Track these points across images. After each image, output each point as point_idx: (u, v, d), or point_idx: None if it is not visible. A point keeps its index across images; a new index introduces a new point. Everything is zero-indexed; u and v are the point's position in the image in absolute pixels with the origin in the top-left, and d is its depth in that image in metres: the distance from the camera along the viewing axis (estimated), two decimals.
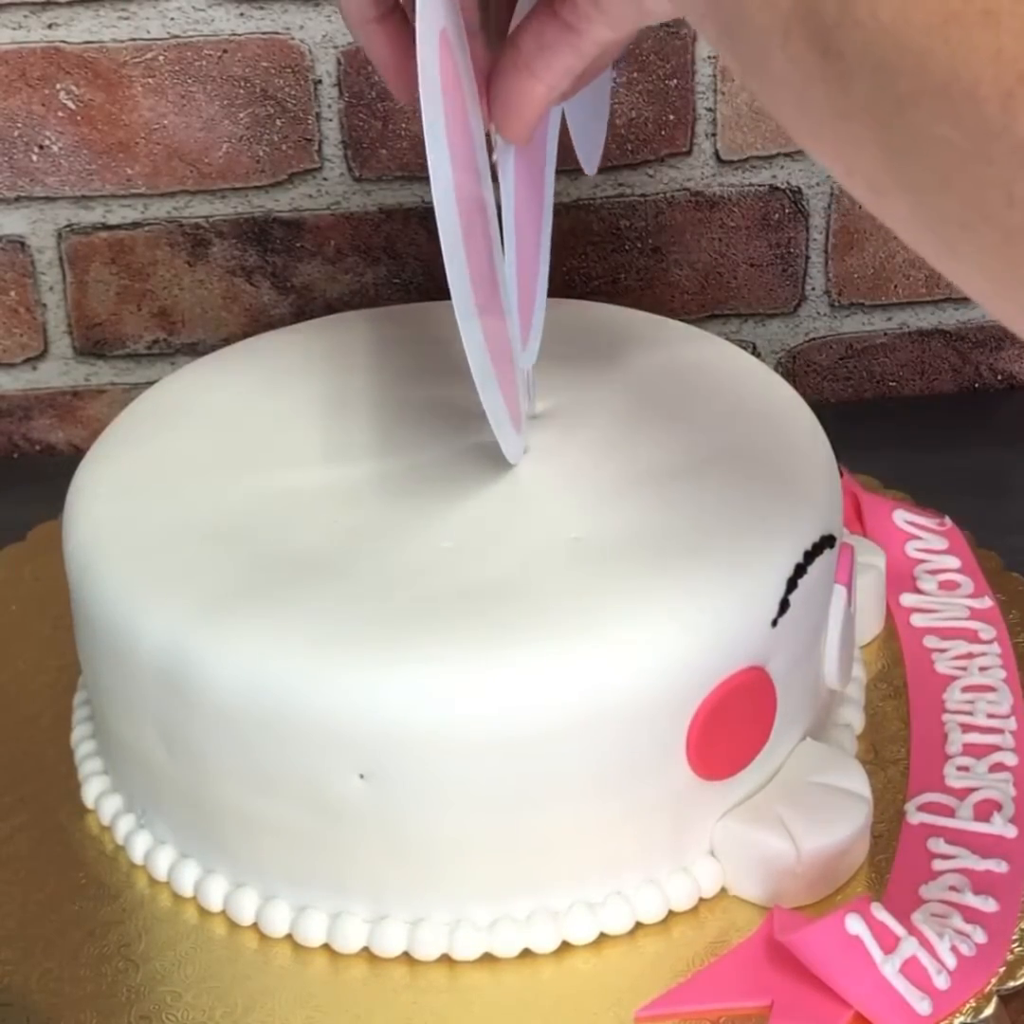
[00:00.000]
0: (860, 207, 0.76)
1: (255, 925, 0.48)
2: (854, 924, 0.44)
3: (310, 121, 0.74)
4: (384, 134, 0.74)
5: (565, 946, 0.47)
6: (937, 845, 0.49)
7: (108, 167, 0.74)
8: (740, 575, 0.47)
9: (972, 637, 0.58)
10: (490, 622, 0.45)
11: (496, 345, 0.47)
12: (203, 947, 0.48)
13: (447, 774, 0.45)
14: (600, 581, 0.46)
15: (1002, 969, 0.45)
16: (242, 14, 0.72)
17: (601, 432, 0.53)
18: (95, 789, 0.52)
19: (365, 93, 0.73)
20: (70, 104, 0.72)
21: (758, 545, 0.48)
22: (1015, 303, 0.31)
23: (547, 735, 0.44)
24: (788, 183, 0.77)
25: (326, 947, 0.47)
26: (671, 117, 0.75)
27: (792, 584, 0.48)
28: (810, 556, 0.49)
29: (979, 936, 0.46)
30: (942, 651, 0.58)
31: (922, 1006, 0.44)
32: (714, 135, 0.75)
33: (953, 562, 0.62)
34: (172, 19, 0.71)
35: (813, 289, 0.79)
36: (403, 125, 0.74)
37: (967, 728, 0.54)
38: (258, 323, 0.77)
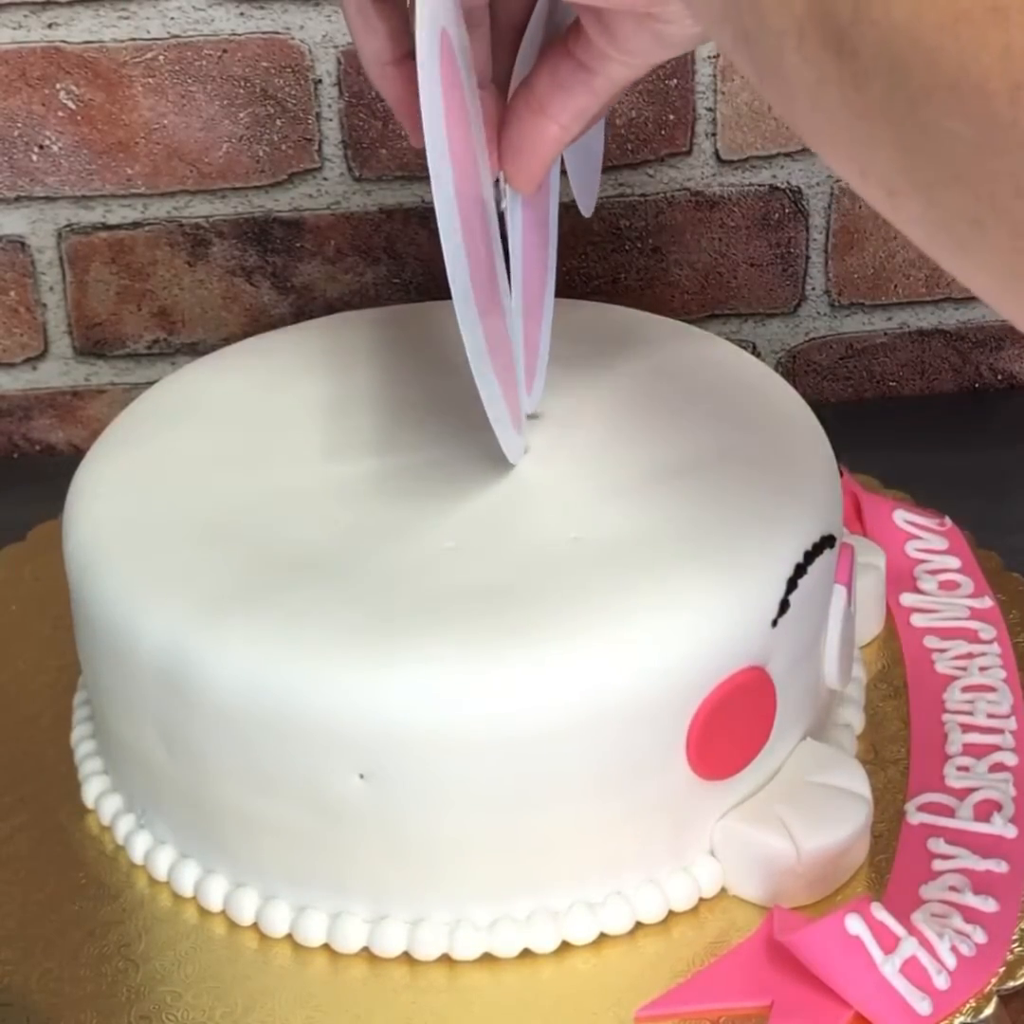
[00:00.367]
0: (860, 207, 0.77)
1: (255, 925, 0.48)
2: (854, 924, 0.45)
3: (310, 121, 0.74)
4: (384, 134, 0.74)
5: (565, 946, 0.47)
6: (937, 845, 0.49)
7: (108, 167, 0.74)
8: (740, 575, 0.47)
9: (972, 637, 0.58)
10: (490, 622, 0.45)
11: (496, 345, 0.47)
12: (203, 947, 0.48)
13: (447, 774, 0.45)
14: (600, 581, 0.46)
15: (1002, 969, 0.45)
16: (242, 14, 0.72)
17: (601, 432, 0.53)
18: (95, 789, 0.52)
19: (365, 93, 0.73)
20: (70, 104, 0.72)
21: (758, 545, 0.48)
22: None
23: (547, 735, 0.44)
24: (788, 183, 0.77)
25: (326, 947, 0.47)
26: (671, 117, 0.75)
27: (792, 584, 0.48)
28: (810, 556, 0.49)
29: (979, 936, 0.46)
30: (942, 651, 0.58)
31: (922, 1006, 0.44)
32: (714, 135, 0.75)
33: (953, 562, 0.62)
34: (172, 19, 0.71)
35: (813, 289, 0.79)
36: None
37: (967, 728, 0.54)
38: (258, 323, 0.77)
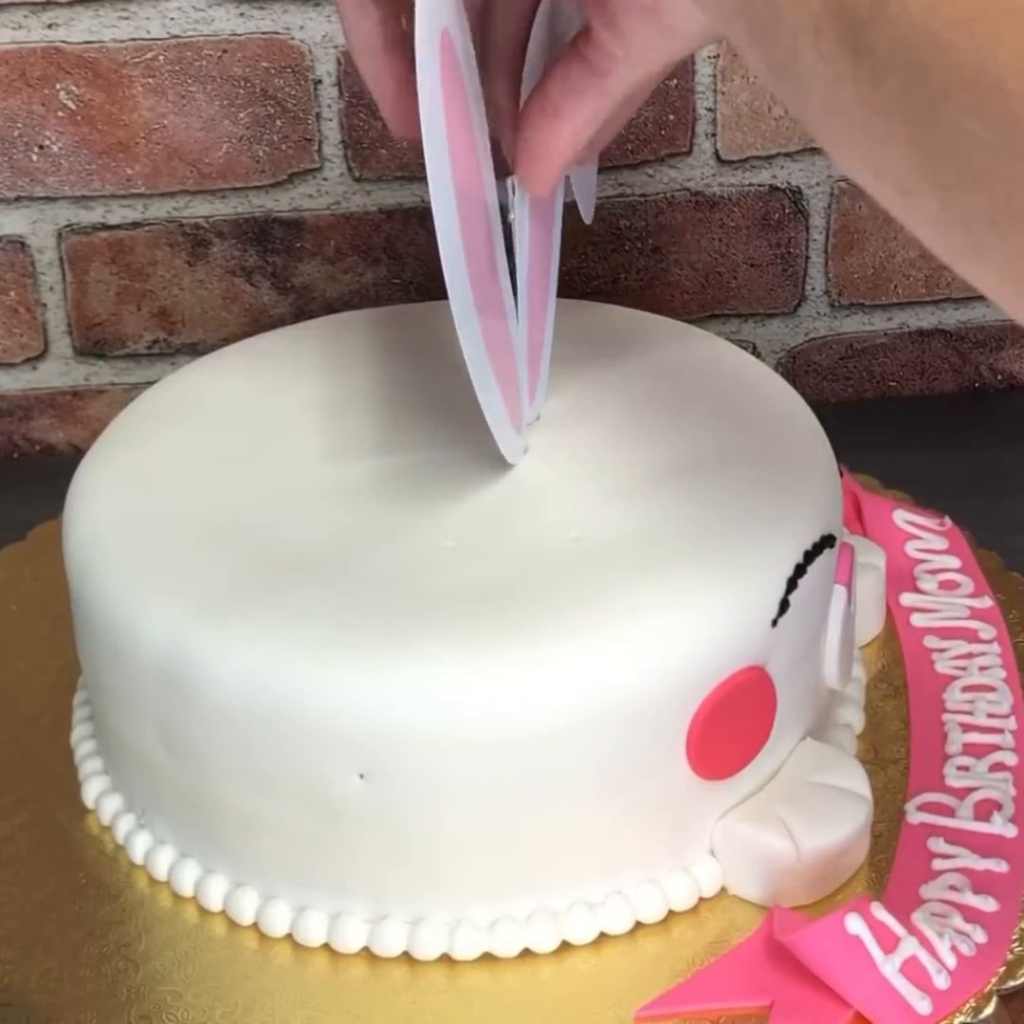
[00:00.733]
0: (860, 207, 0.77)
1: (255, 925, 0.48)
2: (854, 924, 0.45)
3: (310, 121, 0.74)
4: (384, 134, 0.74)
5: (565, 946, 0.47)
6: (937, 845, 0.49)
7: (108, 167, 0.74)
8: (740, 575, 0.47)
9: (972, 637, 0.58)
10: (490, 622, 0.45)
11: (495, 345, 0.47)
12: (203, 947, 0.48)
13: (447, 774, 0.45)
14: (600, 581, 0.46)
15: (1002, 969, 0.45)
16: (242, 14, 0.72)
17: (601, 432, 0.53)
18: (95, 789, 0.52)
19: (365, 93, 0.73)
20: (70, 104, 0.72)
21: (758, 545, 0.48)
22: None
23: (547, 735, 0.44)
24: (788, 183, 0.77)
25: (326, 947, 0.47)
26: (671, 117, 0.75)
27: (792, 584, 0.48)
28: (810, 556, 0.49)
29: (979, 936, 0.46)
30: (942, 651, 0.58)
31: (922, 1006, 0.44)
32: (714, 135, 0.75)
33: (953, 562, 0.62)
34: (172, 19, 0.71)
35: (813, 289, 0.79)
36: None
37: (967, 728, 0.54)
38: (258, 323, 0.77)
